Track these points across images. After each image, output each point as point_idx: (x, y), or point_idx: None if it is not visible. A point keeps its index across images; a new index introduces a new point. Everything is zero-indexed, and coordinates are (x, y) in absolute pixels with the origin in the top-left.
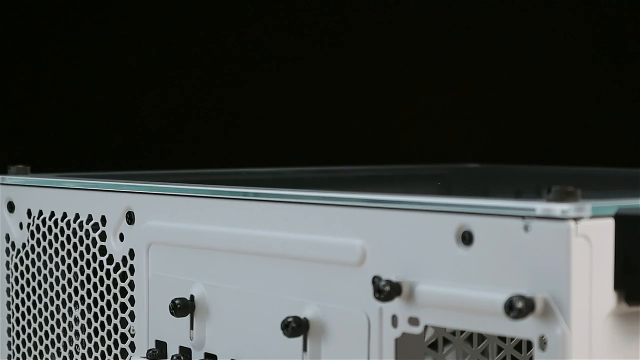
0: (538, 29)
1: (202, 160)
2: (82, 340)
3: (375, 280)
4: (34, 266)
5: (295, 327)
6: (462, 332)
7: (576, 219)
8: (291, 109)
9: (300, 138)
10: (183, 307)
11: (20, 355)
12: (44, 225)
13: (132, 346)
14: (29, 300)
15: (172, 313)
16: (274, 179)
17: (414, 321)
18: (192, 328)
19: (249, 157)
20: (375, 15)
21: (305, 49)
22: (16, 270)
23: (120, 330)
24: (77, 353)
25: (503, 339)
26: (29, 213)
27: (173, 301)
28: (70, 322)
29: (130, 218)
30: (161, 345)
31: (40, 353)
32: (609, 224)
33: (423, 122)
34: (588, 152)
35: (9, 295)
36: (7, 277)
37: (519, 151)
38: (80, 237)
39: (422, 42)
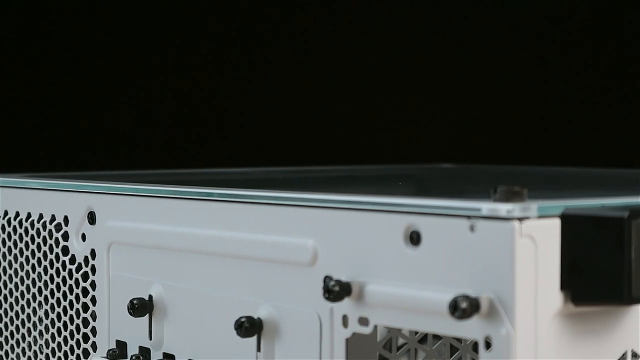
0: (514, 30)
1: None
2: (46, 340)
3: (326, 280)
4: None
5: (249, 327)
6: (416, 332)
7: (521, 219)
8: (271, 109)
9: (277, 139)
10: (141, 307)
11: None
12: (9, 226)
13: (94, 346)
14: None
15: (130, 313)
16: (239, 180)
17: (364, 321)
18: (150, 328)
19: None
20: (355, 16)
21: (285, 50)
22: None
23: (83, 330)
24: (42, 353)
25: (459, 339)
26: None
27: (131, 301)
28: (34, 322)
29: (91, 218)
30: (121, 345)
31: (6, 353)
32: (555, 224)
33: (402, 122)
34: (565, 152)
35: None
36: None
37: (497, 152)
38: (44, 237)
39: (402, 44)
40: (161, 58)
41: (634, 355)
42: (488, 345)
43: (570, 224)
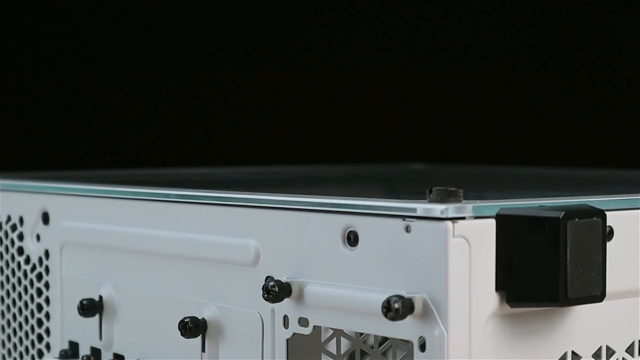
0: (483, 30)
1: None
2: (2, 340)
3: (267, 280)
4: None
5: (192, 327)
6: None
7: (455, 219)
8: (244, 110)
9: (250, 138)
10: (91, 308)
11: None
12: None
13: (48, 346)
14: None
15: (80, 313)
16: (192, 180)
17: (304, 322)
18: (100, 329)
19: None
20: (324, 17)
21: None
22: None
23: (37, 330)
24: None
25: (407, 340)
26: None
27: (81, 302)
28: None
29: (45, 219)
30: (73, 346)
31: None
32: (491, 224)
33: (376, 122)
34: (539, 152)
35: None
36: None
37: (474, 152)
38: (0, 237)
39: (373, 44)
40: (132, 58)
41: (575, 356)
42: (423, 346)
43: (506, 224)
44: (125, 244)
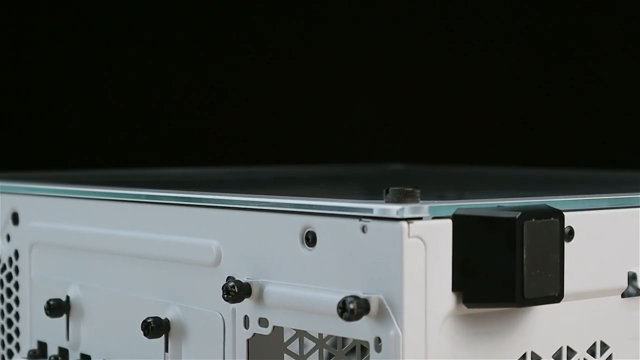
0: (464, 30)
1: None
2: None
3: (227, 281)
4: None
5: (155, 327)
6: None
7: (410, 220)
8: (228, 109)
9: (231, 138)
10: (57, 308)
11: None
12: None
13: (18, 346)
14: None
15: (47, 313)
16: (165, 180)
17: (263, 322)
18: (67, 329)
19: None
20: (303, 17)
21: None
22: None
23: (7, 330)
24: None
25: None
26: None
27: (48, 302)
28: None
29: (15, 219)
30: (42, 346)
31: None
32: (447, 224)
33: (359, 123)
34: (522, 153)
35: None
36: None
37: (456, 152)
38: None
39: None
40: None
41: (534, 356)
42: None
43: (462, 225)
44: (91, 244)
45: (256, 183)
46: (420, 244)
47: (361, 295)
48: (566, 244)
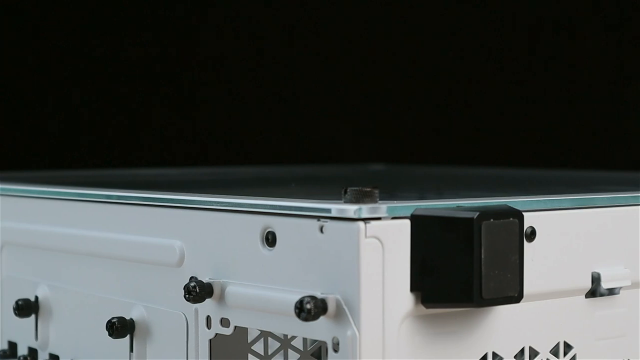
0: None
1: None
2: None
3: (189, 281)
4: None
5: (119, 328)
6: None
7: (367, 220)
8: (210, 109)
9: (213, 138)
10: (26, 308)
11: None
12: None
13: None
14: None
15: (15, 314)
16: (134, 181)
17: (225, 322)
18: (36, 329)
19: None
20: (283, 17)
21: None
22: None
23: None
24: None
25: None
26: None
27: (16, 302)
28: None
29: None
30: (12, 346)
31: None
32: (405, 224)
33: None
34: (504, 153)
35: None
36: None
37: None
38: None
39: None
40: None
41: (496, 356)
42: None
43: (421, 225)
44: (59, 245)
45: (229, 183)
46: (377, 244)
47: (319, 295)
48: (528, 244)
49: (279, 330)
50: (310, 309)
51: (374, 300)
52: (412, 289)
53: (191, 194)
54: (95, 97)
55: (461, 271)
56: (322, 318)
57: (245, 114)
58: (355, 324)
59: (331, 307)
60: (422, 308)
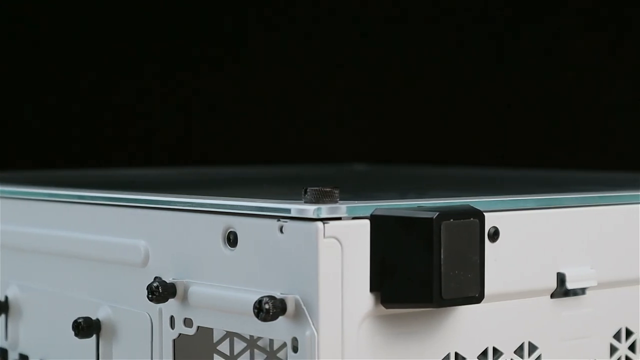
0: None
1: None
2: None
3: (153, 281)
4: None
5: (85, 327)
6: None
7: (326, 220)
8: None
9: (195, 138)
10: None
11: None
12: None
13: None
14: None
15: None
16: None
17: (188, 322)
18: (6, 329)
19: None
20: (265, 17)
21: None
22: None
23: None
24: None
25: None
26: None
27: None
28: None
29: None
30: None
31: None
32: (364, 224)
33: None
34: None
35: None
36: None
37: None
38: None
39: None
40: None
41: (459, 357)
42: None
43: (380, 225)
44: (27, 245)
45: (204, 184)
46: (336, 244)
47: (278, 295)
48: (491, 244)
49: (239, 330)
50: (268, 309)
51: (332, 300)
52: (372, 289)
53: (155, 194)
54: (67, 94)
55: (421, 271)
56: (281, 318)
57: (233, 113)
58: (313, 324)
59: (290, 307)
60: (382, 308)
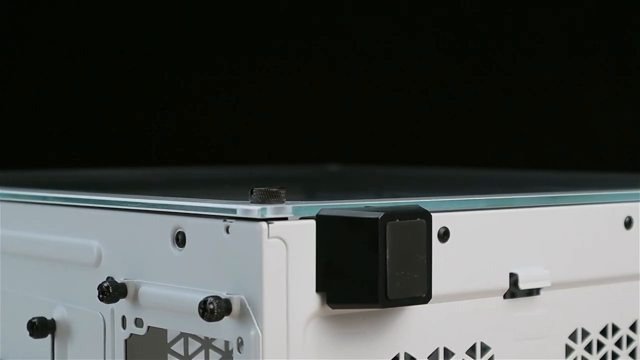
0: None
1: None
2: None
3: (104, 281)
4: None
5: (40, 327)
6: None
7: (270, 220)
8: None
9: (168, 139)
10: None
11: None
12: None
13: None
14: None
15: None
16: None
17: (139, 322)
18: None
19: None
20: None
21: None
22: None
23: None
24: None
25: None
26: None
27: None
28: None
29: None
30: None
31: None
32: (310, 225)
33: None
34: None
35: None
36: None
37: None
38: None
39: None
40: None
41: (408, 357)
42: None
43: (326, 225)
44: None
45: (160, 184)
46: (281, 244)
47: (224, 295)
48: (441, 245)
49: (186, 330)
50: (213, 309)
51: (277, 300)
52: (317, 290)
53: (108, 194)
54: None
55: (366, 272)
56: (227, 318)
57: (208, 113)
58: (258, 324)
59: (235, 307)
60: (329, 309)
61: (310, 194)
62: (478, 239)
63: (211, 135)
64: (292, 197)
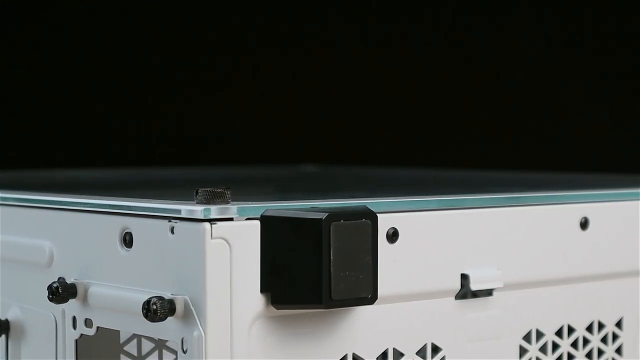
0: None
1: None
2: None
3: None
4: None
5: None
6: None
7: (214, 221)
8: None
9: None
10: None
11: None
12: None
13: None
14: None
15: None
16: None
17: (89, 322)
18: None
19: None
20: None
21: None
22: None
23: None
24: None
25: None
26: None
27: None
28: None
29: None
30: None
31: None
32: (254, 225)
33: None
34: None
35: None
36: None
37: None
38: None
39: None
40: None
41: (356, 358)
42: None
43: (270, 226)
44: None
45: (127, 185)
46: (224, 245)
47: (168, 296)
48: (390, 245)
49: (133, 330)
50: (156, 309)
51: (220, 301)
52: (262, 290)
53: (59, 194)
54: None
55: (310, 272)
56: (171, 319)
57: (185, 114)
58: (201, 325)
59: (179, 307)
60: (274, 309)
61: (280, 195)
62: (428, 240)
63: (187, 135)
64: (255, 197)
